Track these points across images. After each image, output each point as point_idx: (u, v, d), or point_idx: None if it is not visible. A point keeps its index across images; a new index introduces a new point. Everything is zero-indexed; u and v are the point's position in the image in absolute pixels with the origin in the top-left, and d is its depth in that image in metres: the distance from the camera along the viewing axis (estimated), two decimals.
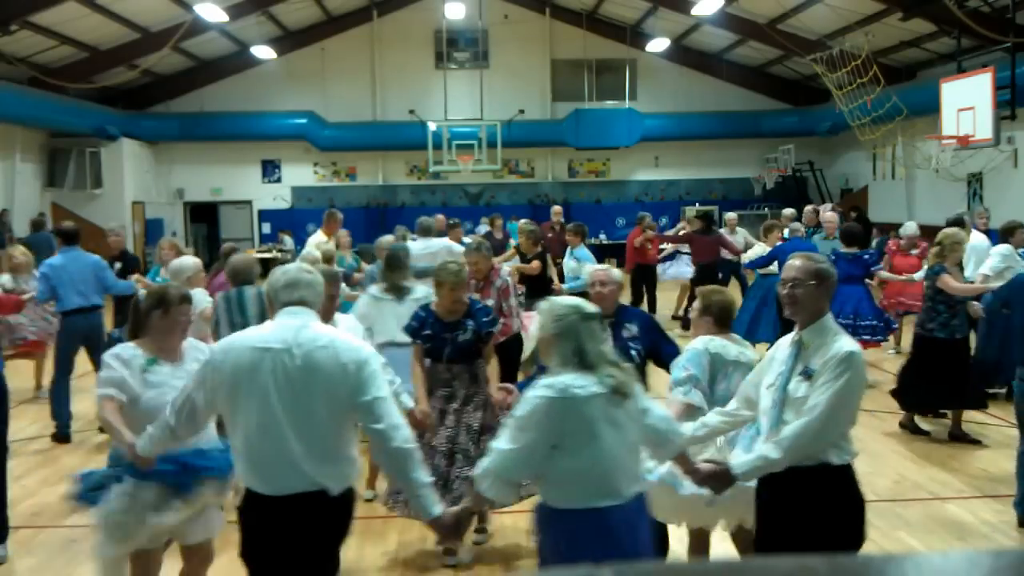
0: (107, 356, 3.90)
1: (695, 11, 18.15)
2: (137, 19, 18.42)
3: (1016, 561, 0.95)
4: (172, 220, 23.82)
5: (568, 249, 10.34)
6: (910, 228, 11.15)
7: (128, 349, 3.90)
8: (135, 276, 8.69)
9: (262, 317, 4.93)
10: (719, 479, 3.43)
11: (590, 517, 3.07)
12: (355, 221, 21.91)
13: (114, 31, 18.61)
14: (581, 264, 9.60)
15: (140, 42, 19.31)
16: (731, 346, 4.24)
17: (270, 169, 24.41)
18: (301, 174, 24.43)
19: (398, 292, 6.26)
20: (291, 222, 23.64)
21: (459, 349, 5.20)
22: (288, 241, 22.37)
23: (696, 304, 4.48)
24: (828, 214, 11.57)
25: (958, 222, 9.09)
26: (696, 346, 4.24)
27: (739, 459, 3.51)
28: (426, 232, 9.70)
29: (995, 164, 15.98)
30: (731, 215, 13.96)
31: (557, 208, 14.54)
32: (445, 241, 9.84)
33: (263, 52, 21.73)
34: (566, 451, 3.08)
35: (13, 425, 6.03)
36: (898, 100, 15.79)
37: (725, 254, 12.57)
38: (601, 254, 19.07)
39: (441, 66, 23.83)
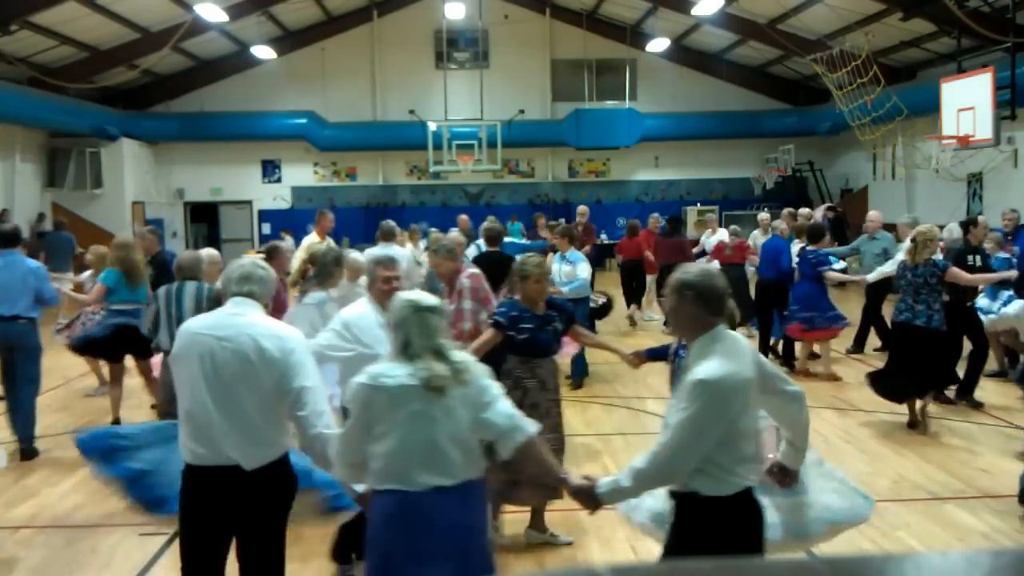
0: None
1: (695, 11, 18.16)
2: (137, 19, 18.42)
3: (1015, 561, 0.95)
4: (172, 220, 23.82)
5: (558, 253, 9.85)
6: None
7: None
8: (67, 279, 8.51)
9: (197, 310, 5.81)
10: (584, 496, 3.30)
11: (379, 499, 3.22)
12: (355, 221, 21.97)
13: (114, 31, 18.61)
14: (576, 266, 9.52)
15: (140, 42, 19.32)
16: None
17: (270, 169, 24.42)
18: (301, 174, 24.44)
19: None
20: (291, 222, 23.62)
21: (552, 342, 5.30)
22: (289, 241, 22.36)
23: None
24: (803, 211, 11.97)
25: (972, 222, 9.29)
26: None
27: (604, 479, 3.30)
28: (387, 237, 9.68)
29: (995, 164, 15.99)
30: (764, 215, 13.29)
31: (583, 208, 14.15)
32: (405, 250, 9.70)
33: (263, 52, 21.74)
34: (372, 435, 3.21)
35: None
36: (898, 100, 15.80)
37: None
38: (601, 254, 19.08)
39: (441, 66, 23.85)
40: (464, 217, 14.47)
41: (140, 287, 7.93)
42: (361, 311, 4.75)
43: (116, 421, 7.82)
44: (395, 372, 3.21)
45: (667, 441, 3.08)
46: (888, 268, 9.11)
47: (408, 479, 3.15)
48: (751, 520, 3.16)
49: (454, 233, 9.14)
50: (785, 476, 3.63)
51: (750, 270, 12.29)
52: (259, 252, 7.75)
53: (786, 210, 13.51)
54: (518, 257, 5.51)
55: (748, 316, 11.91)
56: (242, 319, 3.53)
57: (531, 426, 3.30)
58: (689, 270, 3.26)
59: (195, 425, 3.48)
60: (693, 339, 3.20)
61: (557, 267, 9.55)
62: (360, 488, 3.45)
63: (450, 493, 3.15)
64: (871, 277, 9.73)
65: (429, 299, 3.37)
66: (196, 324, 3.62)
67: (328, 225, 10.41)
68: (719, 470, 3.07)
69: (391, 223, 10.04)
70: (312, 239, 9.83)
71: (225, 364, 3.44)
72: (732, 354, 3.13)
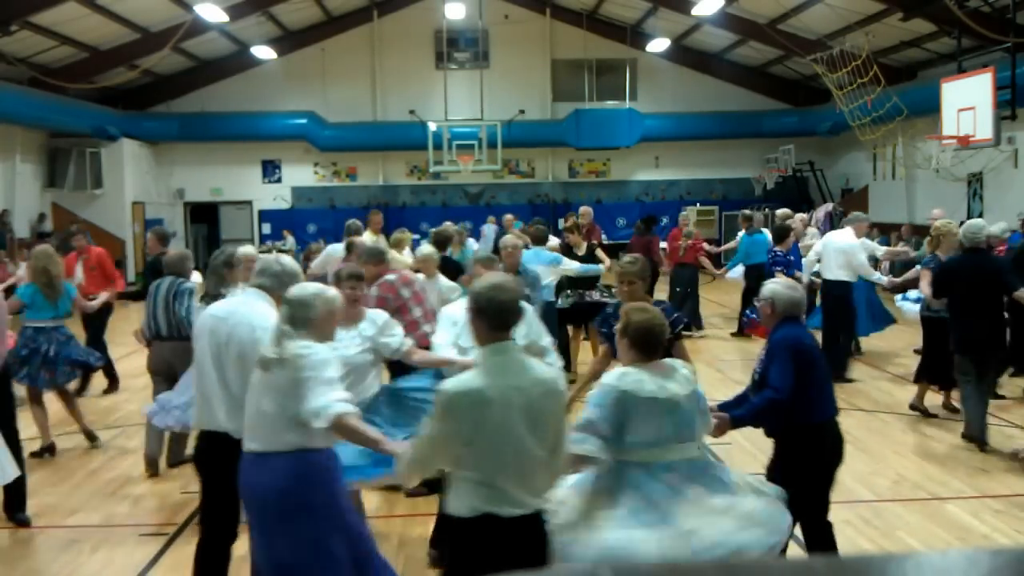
0: None
1: (695, 11, 18.16)
2: (137, 19, 18.43)
3: (1014, 560, 0.95)
4: (172, 220, 23.81)
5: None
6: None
7: None
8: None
9: (165, 304, 6.63)
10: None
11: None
12: None
13: (114, 31, 18.61)
14: (549, 266, 9.22)
15: (140, 42, 19.32)
16: (648, 380, 3.58)
17: (270, 169, 24.42)
18: (301, 174, 24.44)
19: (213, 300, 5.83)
20: (291, 222, 23.66)
21: None
22: (290, 240, 22.38)
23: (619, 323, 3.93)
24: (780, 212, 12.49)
25: None
26: (608, 380, 3.67)
27: None
28: (350, 235, 9.61)
29: (995, 164, 15.99)
30: (799, 215, 13.57)
31: (586, 208, 14.05)
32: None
33: (263, 52, 21.75)
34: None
35: None
36: (898, 100, 15.79)
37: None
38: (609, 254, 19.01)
39: (441, 66, 23.85)
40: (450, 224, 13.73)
41: (60, 301, 7.31)
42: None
43: (48, 449, 7.32)
44: None
45: (414, 441, 3.32)
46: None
47: (247, 440, 3.67)
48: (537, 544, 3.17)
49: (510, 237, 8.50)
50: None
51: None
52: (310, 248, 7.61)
53: (780, 211, 13.45)
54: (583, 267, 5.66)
55: (695, 319, 12.45)
56: (245, 307, 4.07)
57: (336, 407, 3.48)
58: (481, 284, 3.26)
59: (200, 393, 4.12)
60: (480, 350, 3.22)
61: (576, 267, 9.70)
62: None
63: (258, 457, 3.58)
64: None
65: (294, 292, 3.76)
66: (212, 308, 4.24)
67: (379, 223, 11.24)
68: (469, 484, 3.06)
69: (355, 222, 9.99)
70: (368, 236, 10.31)
71: (223, 342, 3.99)
72: (496, 371, 3.09)
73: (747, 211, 13.90)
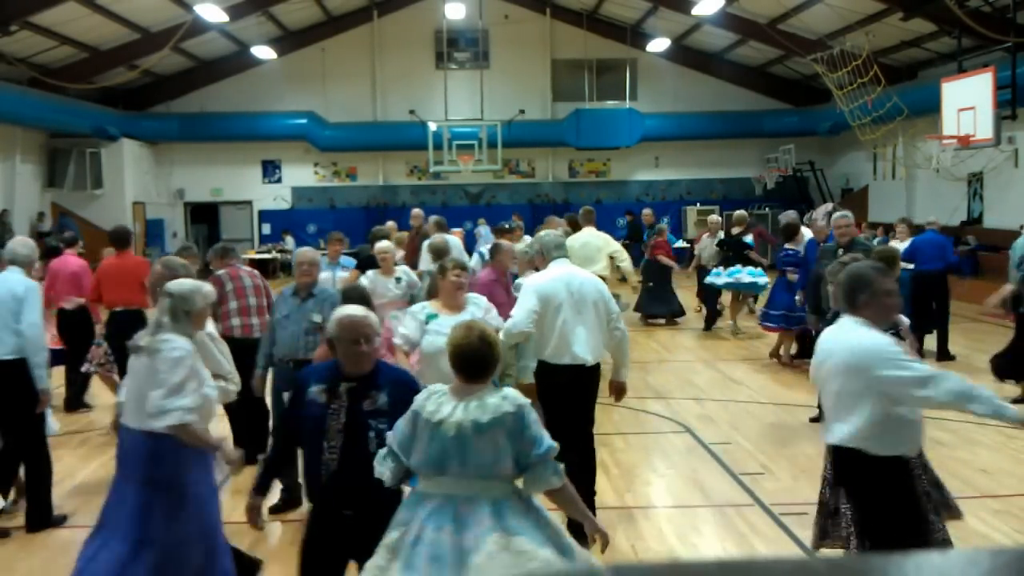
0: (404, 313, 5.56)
1: (695, 11, 18.16)
2: (137, 19, 18.43)
3: (1014, 559, 0.95)
4: (172, 221, 23.83)
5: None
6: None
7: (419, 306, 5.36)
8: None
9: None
10: None
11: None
12: (355, 221, 21.95)
13: (114, 31, 18.61)
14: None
15: (140, 42, 19.32)
16: (447, 401, 3.30)
17: (270, 169, 24.42)
18: (301, 174, 24.44)
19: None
20: (291, 222, 23.66)
21: None
22: (290, 241, 22.39)
23: None
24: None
25: None
26: (418, 399, 3.42)
27: None
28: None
29: (995, 164, 15.99)
30: (714, 218, 14.10)
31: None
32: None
33: (263, 52, 21.75)
34: None
35: None
36: (899, 100, 15.80)
37: None
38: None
39: (441, 66, 23.85)
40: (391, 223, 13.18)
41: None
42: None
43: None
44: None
45: None
46: None
47: None
48: None
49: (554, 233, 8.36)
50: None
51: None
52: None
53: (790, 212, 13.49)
54: None
55: (674, 307, 13.40)
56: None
57: (174, 417, 3.92)
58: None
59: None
60: None
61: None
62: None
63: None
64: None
65: (175, 285, 4.18)
66: None
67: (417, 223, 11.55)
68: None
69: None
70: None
71: None
72: None
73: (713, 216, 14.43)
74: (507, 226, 9.98)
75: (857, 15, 17.32)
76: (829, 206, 19.47)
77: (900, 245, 10.91)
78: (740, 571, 1.07)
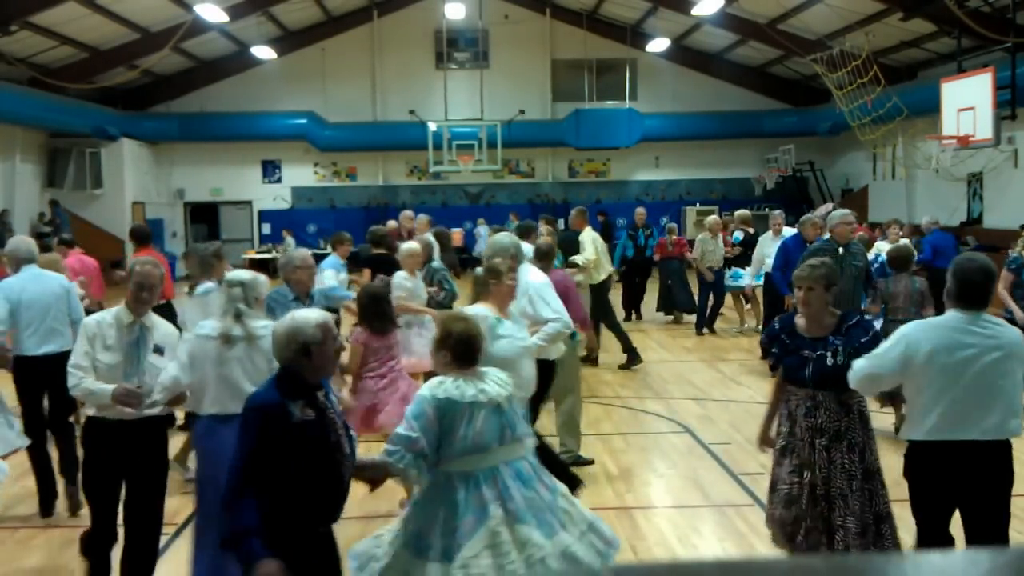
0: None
1: (695, 11, 18.16)
2: (137, 19, 18.43)
3: (1015, 559, 0.95)
4: (172, 220, 23.83)
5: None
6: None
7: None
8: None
9: None
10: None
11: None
12: (355, 222, 21.95)
13: (114, 31, 18.62)
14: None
15: (140, 42, 19.33)
16: (467, 385, 3.55)
17: (270, 169, 24.43)
18: (301, 174, 24.44)
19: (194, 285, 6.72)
20: (291, 222, 23.65)
21: (823, 372, 4.38)
22: (290, 241, 22.38)
23: (435, 333, 3.85)
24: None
25: None
26: (423, 393, 3.59)
27: None
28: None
29: (995, 164, 15.99)
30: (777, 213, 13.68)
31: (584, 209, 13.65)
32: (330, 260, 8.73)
33: (263, 52, 21.75)
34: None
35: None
36: (898, 100, 15.80)
37: None
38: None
39: (441, 66, 23.85)
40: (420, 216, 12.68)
41: None
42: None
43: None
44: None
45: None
46: None
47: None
48: None
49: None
50: None
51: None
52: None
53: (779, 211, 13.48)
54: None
55: (686, 303, 13.53)
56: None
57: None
58: None
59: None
60: None
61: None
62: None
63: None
64: None
65: (238, 275, 4.46)
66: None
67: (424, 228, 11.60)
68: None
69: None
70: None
71: None
72: None
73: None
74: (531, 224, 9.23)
75: (857, 15, 17.32)
76: (829, 206, 19.50)
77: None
78: (740, 571, 1.08)
